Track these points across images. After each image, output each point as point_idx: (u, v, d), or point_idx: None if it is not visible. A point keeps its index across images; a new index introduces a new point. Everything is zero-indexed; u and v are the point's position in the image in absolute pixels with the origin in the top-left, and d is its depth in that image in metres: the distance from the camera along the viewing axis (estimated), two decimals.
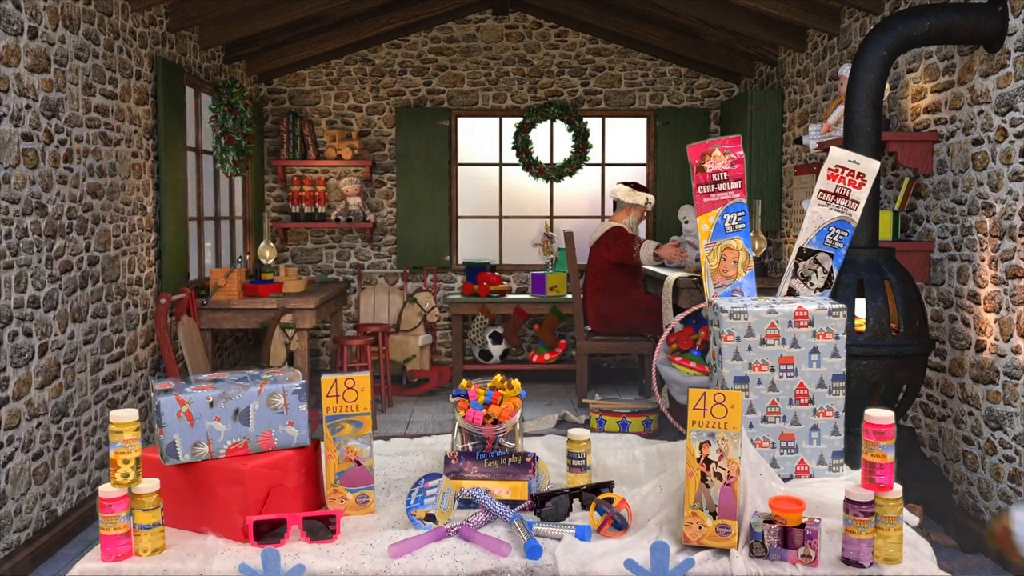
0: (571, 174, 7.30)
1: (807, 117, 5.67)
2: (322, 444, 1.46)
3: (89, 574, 1.26)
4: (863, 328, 3.31)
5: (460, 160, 7.36)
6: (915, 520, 1.36)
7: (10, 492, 3.33)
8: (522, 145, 7.19)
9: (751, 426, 1.46)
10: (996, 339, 3.45)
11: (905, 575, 1.22)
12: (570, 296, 6.23)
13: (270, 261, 5.66)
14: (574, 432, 1.54)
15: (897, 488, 1.24)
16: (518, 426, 1.54)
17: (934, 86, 3.95)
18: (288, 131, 6.98)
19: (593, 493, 1.44)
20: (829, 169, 1.59)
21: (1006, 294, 3.38)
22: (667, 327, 2.61)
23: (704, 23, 6.00)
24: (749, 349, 1.45)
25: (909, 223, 4.18)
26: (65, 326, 3.77)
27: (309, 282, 6.42)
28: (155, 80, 4.83)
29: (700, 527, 1.25)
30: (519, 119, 7.23)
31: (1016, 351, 3.32)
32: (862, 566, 1.22)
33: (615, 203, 5.91)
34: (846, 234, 1.60)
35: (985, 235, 3.52)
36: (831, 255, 1.60)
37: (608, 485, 1.46)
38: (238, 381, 1.43)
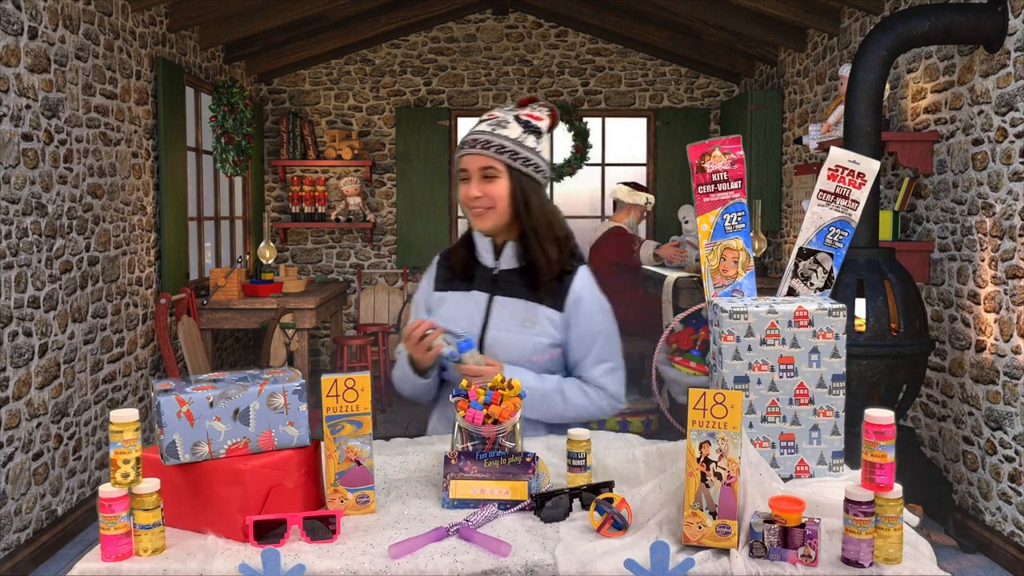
0: (571, 174, 7.30)
1: (807, 117, 5.67)
2: (322, 444, 1.46)
3: (89, 574, 1.25)
4: (863, 328, 3.31)
5: None
6: (915, 520, 1.36)
7: (10, 492, 3.33)
8: None
9: (751, 426, 1.46)
10: (996, 339, 3.45)
11: (905, 575, 1.22)
12: None
13: (270, 261, 5.66)
14: (574, 432, 1.54)
15: (897, 488, 1.24)
16: (518, 426, 1.54)
17: (934, 86, 3.95)
18: (288, 131, 6.98)
19: (593, 493, 1.44)
20: (829, 169, 1.59)
21: (1006, 294, 3.38)
22: (667, 327, 2.61)
23: (704, 23, 6.00)
24: (749, 349, 1.45)
25: (909, 223, 4.18)
26: (65, 326, 3.77)
27: (309, 282, 6.42)
28: (155, 80, 4.83)
29: (700, 527, 1.25)
30: None
31: (1016, 351, 3.32)
32: (862, 566, 1.22)
33: (615, 203, 5.91)
34: (846, 234, 1.60)
35: (985, 235, 3.52)
36: (831, 255, 1.60)
37: (608, 485, 1.46)
38: (238, 381, 1.43)
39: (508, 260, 1.99)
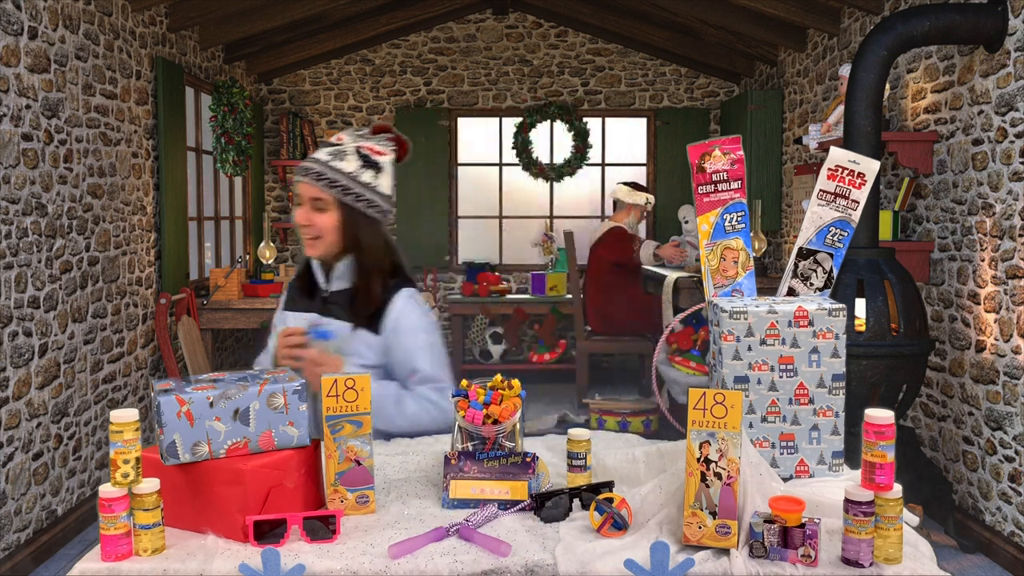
0: (571, 174, 7.30)
1: (807, 117, 5.67)
2: (322, 444, 1.46)
3: (89, 574, 1.26)
4: (863, 328, 3.31)
5: (460, 160, 7.36)
6: (915, 520, 1.36)
7: (10, 492, 3.33)
8: (522, 145, 7.19)
9: (751, 426, 1.46)
10: (996, 339, 3.45)
11: (905, 575, 1.22)
12: (570, 296, 6.24)
13: (270, 261, 5.66)
14: (574, 432, 1.54)
15: (897, 488, 1.24)
16: (518, 426, 1.54)
17: (934, 86, 3.95)
18: (288, 131, 6.98)
19: (593, 493, 1.44)
20: (829, 169, 1.59)
21: (1006, 294, 3.38)
22: (667, 327, 2.61)
23: (704, 23, 6.00)
24: (749, 349, 1.45)
25: (909, 223, 4.18)
26: (65, 326, 3.77)
27: None
28: (155, 80, 4.83)
29: (700, 527, 1.26)
30: (519, 119, 7.23)
31: (1016, 351, 3.32)
32: (862, 566, 1.22)
33: (615, 203, 5.91)
34: (846, 234, 1.60)
35: (985, 235, 3.52)
36: (831, 255, 1.60)
37: (608, 485, 1.46)
38: (238, 381, 1.43)
39: (337, 282, 2.02)
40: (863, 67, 3.43)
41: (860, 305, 3.34)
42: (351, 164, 1.93)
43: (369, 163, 1.94)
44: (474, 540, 1.31)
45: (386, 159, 1.97)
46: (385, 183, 1.97)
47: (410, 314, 1.98)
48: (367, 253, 1.97)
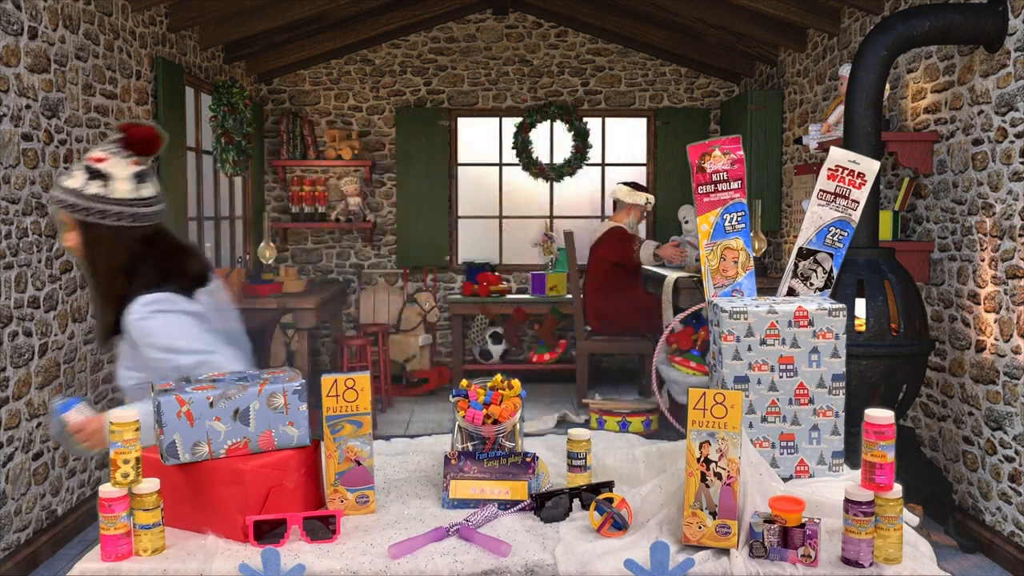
0: (571, 174, 7.30)
1: (807, 117, 5.67)
2: (322, 444, 1.46)
3: (89, 574, 1.26)
4: (863, 328, 3.31)
5: (460, 160, 7.36)
6: (915, 520, 1.36)
7: (10, 492, 3.33)
8: (522, 145, 7.19)
9: (751, 426, 1.46)
10: (996, 339, 3.45)
11: (905, 575, 1.22)
12: (570, 296, 6.24)
13: (270, 261, 5.66)
14: (574, 432, 1.54)
15: (897, 488, 1.24)
16: (518, 426, 1.54)
17: (934, 86, 3.95)
18: (288, 131, 6.97)
19: (593, 493, 1.44)
20: (829, 169, 1.59)
21: (1006, 294, 3.38)
22: (667, 327, 2.61)
23: (704, 23, 6.00)
24: (749, 349, 1.45)
25: (909, 223, 4.18)
26: (65, 326, 3.77)
27: (308, 282, 6.43)
28: (155, 80, 4.83)
29: (700, 527, 1.26)
30: (519, 119, 7.23)
31: (1016, 351, 3.32)
32: (862, 566, 1.22)
33: (615, 203, 5.91)
34: (846, 234, 1.60)
35: (985, 235, 3.52)
36: (831, 255, 1.60)
37: (608, 485, 1.46)
38: (238, 381, 1.44)
39: None
40: (863, 67, 3.43)
41: (860, 305, 3.34)
42: (77, 180, 1.85)
43: (93, 173, 1.85)
44: (474, 540, 1.31)
45: (109, 164, 1.86)
46: (121, 187, 1.85)
47: (142, 327, 1.81)
48: (99, 267, 1.89)
